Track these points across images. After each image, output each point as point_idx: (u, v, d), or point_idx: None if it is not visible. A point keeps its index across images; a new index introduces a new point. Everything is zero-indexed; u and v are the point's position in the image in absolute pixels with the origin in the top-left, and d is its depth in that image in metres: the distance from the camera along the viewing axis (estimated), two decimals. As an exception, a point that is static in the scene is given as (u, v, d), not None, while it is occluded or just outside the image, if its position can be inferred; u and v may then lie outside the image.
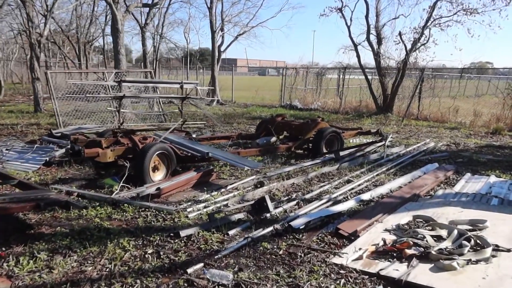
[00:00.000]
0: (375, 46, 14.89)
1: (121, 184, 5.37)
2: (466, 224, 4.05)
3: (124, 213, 4.56)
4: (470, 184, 5.98)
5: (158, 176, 5.87)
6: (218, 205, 4.85)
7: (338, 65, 18.30)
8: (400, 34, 13.99)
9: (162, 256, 3.52)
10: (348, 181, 6.01)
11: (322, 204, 4.94)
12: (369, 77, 16.57)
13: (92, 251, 3.59)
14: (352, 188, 5.66)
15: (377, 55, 14.73)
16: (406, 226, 4.13)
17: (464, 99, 16.42)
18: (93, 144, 6.33)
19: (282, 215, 4.56)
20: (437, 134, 11.31)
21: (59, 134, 8.68)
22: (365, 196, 5.24)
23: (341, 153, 7.55)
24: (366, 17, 14.88)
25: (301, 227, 4.13)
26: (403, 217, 4.33)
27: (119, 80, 8.76)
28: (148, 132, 8.79)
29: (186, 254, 3.58)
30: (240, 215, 4.45)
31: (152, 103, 13.18)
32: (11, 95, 22.41)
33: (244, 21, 22.97)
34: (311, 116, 14.94)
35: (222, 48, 22.34)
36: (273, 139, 8.36)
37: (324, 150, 7.61)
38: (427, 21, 13.80)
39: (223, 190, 5.44)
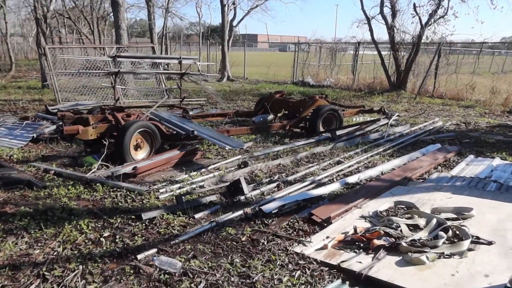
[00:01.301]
0: (389, 20, 14.16)
1: (99, 162, 5.21)
2: (451, 212, 3.72)
3: (94, 193, 4.41)
4: (470, 167, 5.59)
5: (140, 154, 5.70)
6: (194, 186, 4.65)
7: (353, 40, 17.59)
8: (414, 6, 13.23)
9: (117, 240, 3.36)
10: (339, 162, 5.69)
11: (304, 186, 4.68)
12: (384, 53, 15.89)
13: (47, 233, 3.45)
14: (341, 170, 5.36)
15: (391, 29, 14.02)
16: (384, 213, 3.83)
17: (488, 76, 15.54)
18: (80, 121, 6.21)
19: (257, 198, 4.33)
20: (449, 112, 10.75)
21: (55, 110, 8.60)
22: (352, 179, 4.93)
23: (339, 133, 7.21)
24: (381, -12, 14.10)
25: (273, 211, 3.89)
26: (384, 203, 4.02)
27: (114, 55, 8.55)
28: (143, 109, 8.63)
29: (143, 238, 3.40)
30: (213, 197, 4.24)
31: (159, 79, 12.98)
32: (26, 71, 22.62)
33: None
34: (320, 92, 14.50)
35: (234, 23, 21.83)
36: (270, 117, 8.07)
37: (321, 129, 7.28)
38: (445, -9, 12.96)
39: (203, 170, 5.23)
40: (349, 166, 5.53)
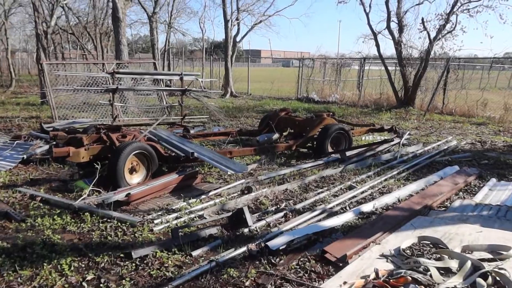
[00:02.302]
0: (396, 35, 13.84)
1: (90, 187, 4.79)
2: (485, 250, 3.26)
3: (82, 225, 3.98)
4: (494, 192, 5.12)
5: (136, 178, 5.27)
6: (192, 215, 4.20)
7: (358, 56, 17.30)
8: (423, 20, 12.91)
9: (101, 285, 2.91)
10: (351, 188, 5.24)
11: (314, 216, 4.23)
12: (390, 68, 15.54)
13: (23, 275, 3.01)
14: (354, 196, 4.91)
15: (398, 44, 13.69)
16: (408, 251, 3.36)
17: (495, 92, 15.14)
18: (74, 141, 5.83)
19: (262, 231, 3.88)
20: (461, 130, 10.30)
21: (50, 129, 8.23)
22: (366, 207, 4.48)
23: (349, 153, 6.77)
24: (387, 3, 13.82)
25: (280, 248, 3.44)
26: (406, 238, 3.56)
27: (112, 71, 8.21)
28: (142, 128, 8.26)
29: (132, 282, 2.95)
30: (213, 230, 3.79)
31: (160, 95, 12.64)
32: (27, 87, 22.41)
33: (260, 9, 22.08)
34: (325, 109, 14.11)
35: (238, 38, 21.64)
36: (275, 136, 7.65)
37: (330, 149, 6.85)
38: (453, 6, 12.64)
39: (203, 196, 4.79)
40: (362, 192, 5.08)
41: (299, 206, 4.51)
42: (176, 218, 4.14)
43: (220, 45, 42.08)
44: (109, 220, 4.05)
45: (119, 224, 3.97)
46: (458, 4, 12.63)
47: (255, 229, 3.88)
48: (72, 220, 4.08)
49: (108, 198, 4.42)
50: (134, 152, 5.14)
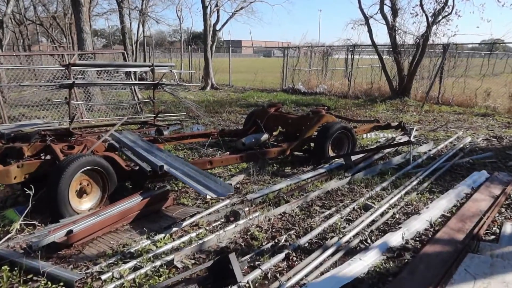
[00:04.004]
0: (390, 19, 12.73)
1: (21, 220, 3.51)
2: None
3: (-7, 287, 2.73)
4: (545, 208, 4.06)
5: (87, 203, 4.01)
6: (158, 262, 2.99)
7: (347, 43, 16.16)
8: (421, 3, 11.81)
9: None
10: (366, 207, 4.11)
11: (328, 257, 3.08)
12: (382, 56, 14.47)
13: None
14: (373, 221, 3.77)
15: (392, 29, 12.59)
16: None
17: (491, 79, 14.25)
18: (12, 152, 4.56)
19: (258, 287, 2.70)
20: (468, 123, 9.30)
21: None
22: (395, 239, 3.35)
23: (354, 158, 5.64)
24: (379, -16, 12.68)
25: (287, 324, 2.27)
26: (470, 300, 2.44)
27: (67, 63, 6.84)
28: (108, 129, 6.98)
29: None
30: (186, 291, 2.60)
31: (133, 90, 11.26)
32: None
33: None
34: (315, 102, 12.99)
35: (218, 27, 20.25)
36: (264, 137, 6.47)
37: (331, 153, 5.71)
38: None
39: (175, 229, 3.57)
40: (382, 214, 3.95)
41: (304, 240, 3.34)
42: (135, 269, 2.92)
43: (200, 35, 40.24)
44: (35, 279, 2.80)
45: (49, 285, 2.73)
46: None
47: (247, 285, 2.71)
48: (-17, 277, 2.83)
49: (39, 241, 3.16)
50: (83, 169, 3.88)
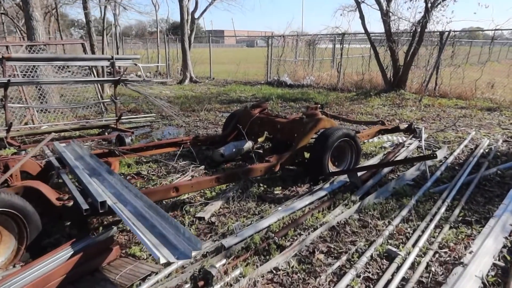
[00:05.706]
0: (384, 4, 11.61)
1: None
2: None
3: None
4: None
5: (-7, 260, 2.80)
6: None
7: (335, 31, 14.99)
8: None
9: None
10: (388, 255, 2.99)
11: None
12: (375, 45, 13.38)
13: None
14: (403, 282, 2.66)
15: (386, 15, 11.48)
16: None
17: (490, 69, 13.32)
18: None
19: None
20: (476, 120, 8.30)
21: None
22: (443, 321, 2.24)
23: (360, 173, 4.52)
24: (372, -34, 11.55)
25: None
26: None
27: (1, 57, 5.52)
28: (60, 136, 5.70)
29: None
30: None
31: (96, 88, 9.88)
32: None
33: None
34: (304, 96, 11.84)
35: (197, 15, 18.83)
36: (247, 145, 5.31)
37: (331, 168, 4.58)
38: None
39: (114, 309, 2.39)
40: (411, 266, 2.83)
41: (309, 326, 2.20)
42: None
43: (168, 23, 38.44)
44: None
45: None
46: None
47: None
48: None
49: None
50: (-16, 214, 2.66)
